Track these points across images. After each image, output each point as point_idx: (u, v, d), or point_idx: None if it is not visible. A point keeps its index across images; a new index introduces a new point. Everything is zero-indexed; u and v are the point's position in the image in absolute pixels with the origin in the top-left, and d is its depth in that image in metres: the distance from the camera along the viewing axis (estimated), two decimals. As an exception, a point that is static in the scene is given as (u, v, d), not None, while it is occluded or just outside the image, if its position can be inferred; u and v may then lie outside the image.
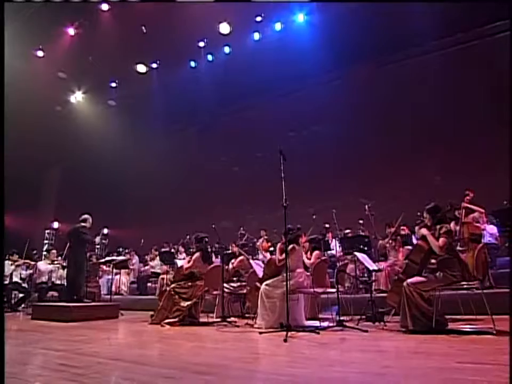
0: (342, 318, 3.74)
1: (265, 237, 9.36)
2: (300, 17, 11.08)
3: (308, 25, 11.10)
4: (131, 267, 9.33)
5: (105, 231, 15.43)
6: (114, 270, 9.04)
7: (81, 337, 3.55)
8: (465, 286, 3.29)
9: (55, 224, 14.33)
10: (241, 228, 8.72)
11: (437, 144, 8.70)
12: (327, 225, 8.37)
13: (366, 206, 6.68)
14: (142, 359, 2.33)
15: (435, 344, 2.62)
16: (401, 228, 7.11)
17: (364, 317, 4.18)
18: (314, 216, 7.54)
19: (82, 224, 5.80)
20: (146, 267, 9.36)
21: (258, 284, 4.42)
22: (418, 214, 6.77)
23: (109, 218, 15.12)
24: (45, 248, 13.79)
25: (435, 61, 9.37)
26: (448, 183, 7.65)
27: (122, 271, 8.94)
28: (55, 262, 6.99)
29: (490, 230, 5.99)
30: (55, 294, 6.87)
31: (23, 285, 7.47)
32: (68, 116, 14.40)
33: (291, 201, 11.44)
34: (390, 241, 6.19)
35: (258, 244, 8.62)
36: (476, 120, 8.26)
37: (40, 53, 11.88)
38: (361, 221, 8.00)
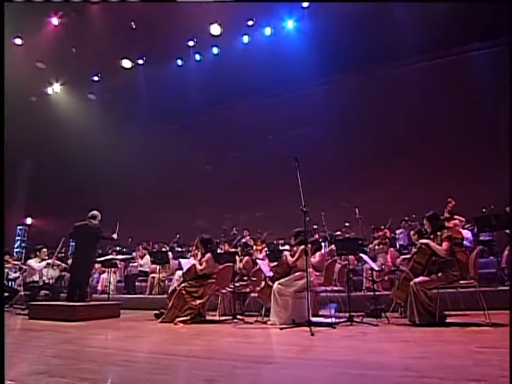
0: (352, 314, 4.10)
1: (248, 237, 9.66)
2: (290, 24, 11.46)
3: (297, 32, 11.53)
4: (119, 265, 9.21)
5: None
6: (101, 269, 8.93)
7: (105, 336, 3.63)
8: (463, 285, 3.75)
9: (28, 220, 13.68)
10: (234, 228, 8.93)
11: (421, 152, 9.41)
12: (314, 226, 8.80)
13: (357, 210, 7.15)
14: (199, 353, 2.50)
15: (446, 334, 3.03)
16: (384, 230, 7.67)
17: (363, 313, 4.57)
18: (308, 219, 7.88)
19: (93, 221, 5.72)
20: (133, 265, 9.27)
21: (270, 283, 4.68)
22: (406, 218, 7.40)
23: (84, 215, 14.66)
24: (16, 245, 13.14)
25: (420, 72, 10.09)
26: (431, 190, 8.31)
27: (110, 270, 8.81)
28: (46, 261, 6.80)
29: (466, 235, 6.66)
30: (45, 292, 6.69)
31: (8, 284, 7.19)
32: (43, 107, 13.85)
33: (280, 202, 11.89)
34: (379, 245, 6.67)
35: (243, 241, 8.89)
36: (458, 129, 9.07)
37: (18, 41, 11.38)
38: (347, 223, 8.51)
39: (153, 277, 8.30)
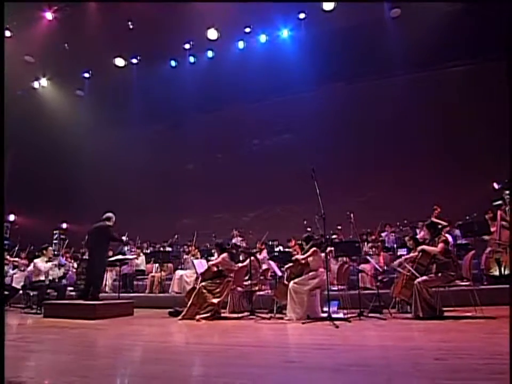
0: (361, 310, 4.61)
1: (239, 238, 10.04)
2: (285, 33, 11.94)
3: (291, 41, 12.05)
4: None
5: (64, 225, 14.76)
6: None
7: (146, 332, 3.91)
8: (459, 283, 4.37)
9: (11, 217, 13.25)
10: (234, 229, 9.26)
11: (406, 159, 10.19)
12: (308, 229, 9.33)
13: (351, 215, 7.73)
14: (255, 343, 2.88)
15: (450, 325, 3.60)
16: (376, 234, 8.32)
17: (366, 309, 5.10)
18: (305, 222, 8.40)
19: (107, 222, 5.88)
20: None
21: (285, 282, 5.11)
22: (398, 223, 8.08)
23: (68, 213, 14.58)
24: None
25: (404, 84, 10.87)
26: (417, 196, 9.07)
27: (107, 268, 8.87)
28: (52, 260, 6.84)
29: (449, 239, 7.43)
30: (51, 291, 6.74)
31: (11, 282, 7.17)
32: (28, 101, 13.50)
33: (267, 203, 12.33)
34: (372, 248, 7.28)
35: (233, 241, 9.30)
36: (441, 139, 9.92)
37: (7, 33, 11.08)
38: (339, 227, 9.10)
39: (153, 276, 8.48)
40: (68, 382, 1.79)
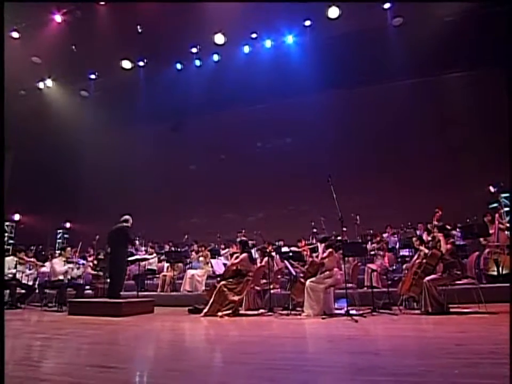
0: (374, 306, 4.98)
1: (244, 238, 10.32)
2: (289, 39, 12.26)
3: (296, 46, 12.37)
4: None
5: (68, 225, 14.92)
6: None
7: (178, 327, 4.21)
8: (465, 282, 4.76)
9: (16, 216, 13.35)
10: (242, 230, 9.55)
11: (406, 162, 10.61)
12: (314, 230, 9.69)
13: (357, 217, 8.11)
14: (286, 334, 3.21)
15: (458, 320, 3.97)
16: (382, 235, 8.71)
17: (373, 306, 5.46)
18: (312, 223, 8.75)
19: (125, 224, 6.15)
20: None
21: (302, 280, 5.45)
22: (402, 225, 8.48)
23: (72, 212, 14.73)
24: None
25: (405, 90, 11.27)
26: (418, 199, 9.49)
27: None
28: (70, 260, 7.07)
29: (447, 239, 7.85)
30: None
31: (25, 281, 7.37)
32: (32, 100, 13.61)
33: (276, 205, 12.69)
34: (377, 249, 7.65)
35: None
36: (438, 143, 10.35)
37: (15, 34, 11.22)
38: (344, 228, 9.46)
39: (165, 275, 8.74)
40: (144, 368, 2.09)
